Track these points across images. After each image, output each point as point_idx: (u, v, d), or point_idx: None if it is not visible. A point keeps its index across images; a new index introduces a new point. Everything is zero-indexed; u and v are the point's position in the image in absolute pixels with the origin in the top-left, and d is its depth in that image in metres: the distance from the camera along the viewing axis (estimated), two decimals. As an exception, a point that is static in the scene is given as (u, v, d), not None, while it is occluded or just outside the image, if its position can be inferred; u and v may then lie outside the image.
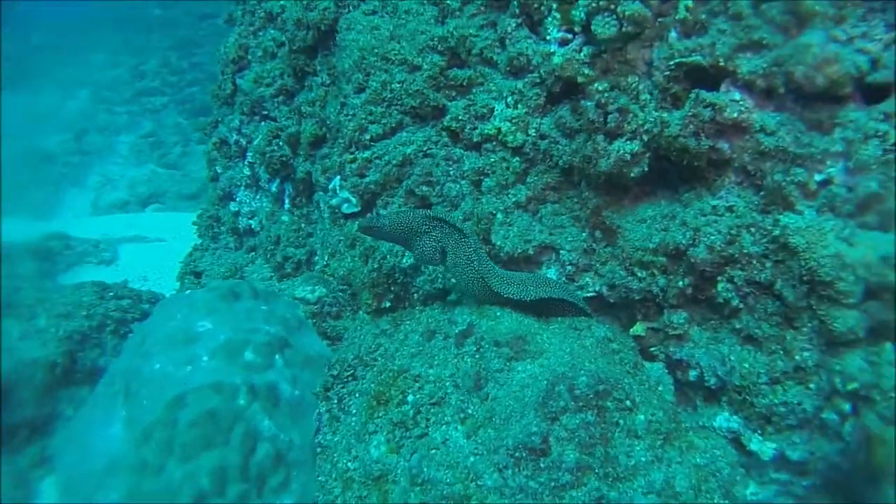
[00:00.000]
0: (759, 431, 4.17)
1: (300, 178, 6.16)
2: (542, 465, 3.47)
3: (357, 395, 4.31)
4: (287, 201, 6.43)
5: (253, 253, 6.80)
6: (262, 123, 6.66)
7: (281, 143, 6.29)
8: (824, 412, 3.96)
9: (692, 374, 4.39)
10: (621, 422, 3.68)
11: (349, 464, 4.03)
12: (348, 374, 4.37)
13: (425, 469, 3.65)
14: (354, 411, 4.22)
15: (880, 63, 3.60)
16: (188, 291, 5.52)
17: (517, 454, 3.50)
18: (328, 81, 5.86)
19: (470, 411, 3.79)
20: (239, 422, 4.19)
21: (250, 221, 7.09)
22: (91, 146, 13.54)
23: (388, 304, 4.92)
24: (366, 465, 3.91)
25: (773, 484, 4.32)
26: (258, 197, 7.00)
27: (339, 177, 5.31)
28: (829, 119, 3.77)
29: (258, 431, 4.23)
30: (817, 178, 3.83)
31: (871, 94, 3.75)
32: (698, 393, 4.51)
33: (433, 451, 3.73)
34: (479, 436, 3.69)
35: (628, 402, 3.75)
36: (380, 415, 3.98)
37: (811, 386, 3.97)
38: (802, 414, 4.00)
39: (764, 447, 4.17)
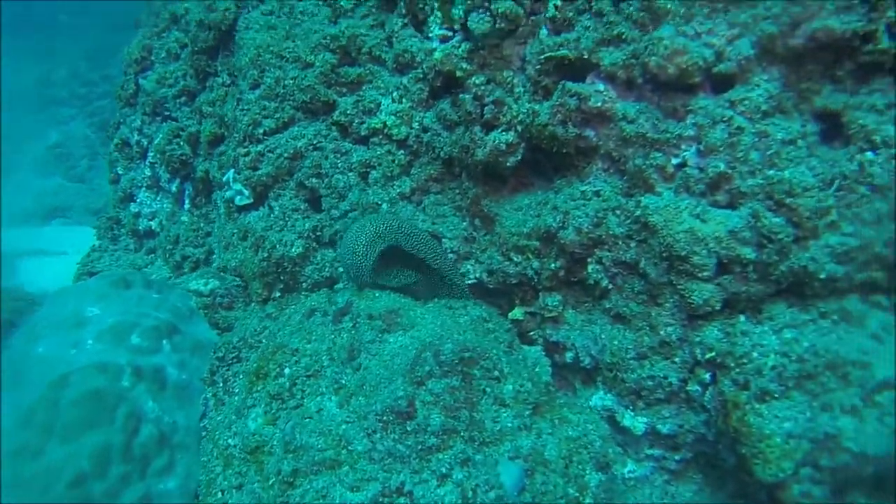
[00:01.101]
0: (631, 407, 4.28)
1: (199, 177, 6.06)
2: (408, 429, 3.46)
3: (241, 376, 4.26)
4: (187, 201, 6.29)
5: (153, 254, 6.68)
6: (164, 124, 6.56)
7: (181, 143, 6.19)
8: (689, 385, 4.11)
9: (568, 355, 4.48)
10: (488, 389, 3.72)
11: (230, 440, 3.95)
12: (233, 356, 4.32)
13: (298, 436, 3.61)
14: (237, 391, 4.17)
15: (724, 55, 3.84)
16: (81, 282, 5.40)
17: (385, 418, 3.50)
18: (228, 81, 5.80)
19: (343, 381, 3.78)
20: (123, 402, 4.01)
21: (150, 223, 6.89)
22: None
23: (277, 294, 4.92)
24: (244, 438, 3.83)
25: (649, 461, 4.43)
26: (159, 198, 6.82)
27: (233, 170, 5.31)
28: (682, 107, 3.93)
29: (142, 412, 4.06)
30: (674, 161, 3.99)
31: (720, 83, 4.00)
32: (577, 376, 4.60)
33: (307, 420, 3.68)
34: (352, 404, 3.67)
35: (496, 373, 3.80)
36: (258, 389, 3.92)
37: (676, 360, 4.09)
38: (669, 387, 4.11)
39: (636, 422, 4.26)
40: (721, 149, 3.81)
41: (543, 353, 4.49)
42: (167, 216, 6.54)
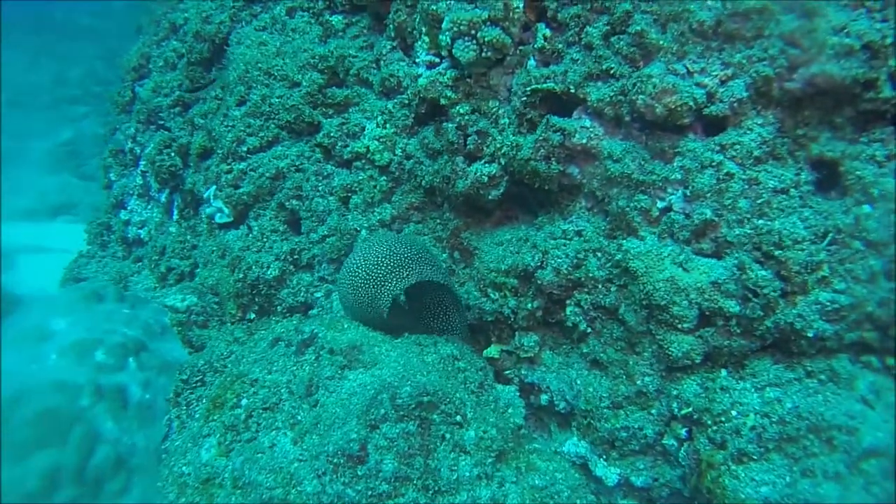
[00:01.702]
0: (604, 456, 4.05)
1: (188, 189, 5.89)
2: (359, 473, 3.25)
3: (204, 401, 4.12)
4: (176, 212, 6.13)
5: (140, 263, 6.59)
6: (157, 133, 6.45)
7: (172, 154, 6.04)
8: (665, 438, 3.88)
9: (543, 398, 4.26)
10: (448, 435, 3.50)
11: (184, 468, 3.77)
12: (197, 379, 4.15)
13: (247, 472, 3.41)
14: (198, 416, 4.04)
15: (716, 97, 3.61)
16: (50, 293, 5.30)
17: (335, 460, 3.28)
18: (221, 94, 5.70)
19: (299, 417, 3.61)
20: (79, 422, 3.88)
21: (140, 231, 6.74)
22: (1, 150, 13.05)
23: (252, 316, 4.78)
24: (197, 468, 3.65)
25: (622, 512, 4.21)
26: (149, 207, 6.67)
27: (214, 186, 5.18)
28: (670, 148, 3.70)
29: (99, 433, 3.92)
30: (659, 204, 3.75)
31: (711, 126, 3.77)
32: (553, 418, 4.38)
33: (258, 455, 3.49)
34: (306, 441, 3.47)
35: (458, 417, 3.58)
36: (214, 418, 3.76)
37: (652, 412, 3.85)
38: (644, 439, 3.87)
39: (608, 472, 4.02)
40: (708, 195, 3.58)
41: (518, 395, 4.27)
42: (156, 226, 6.42)
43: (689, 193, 3.65)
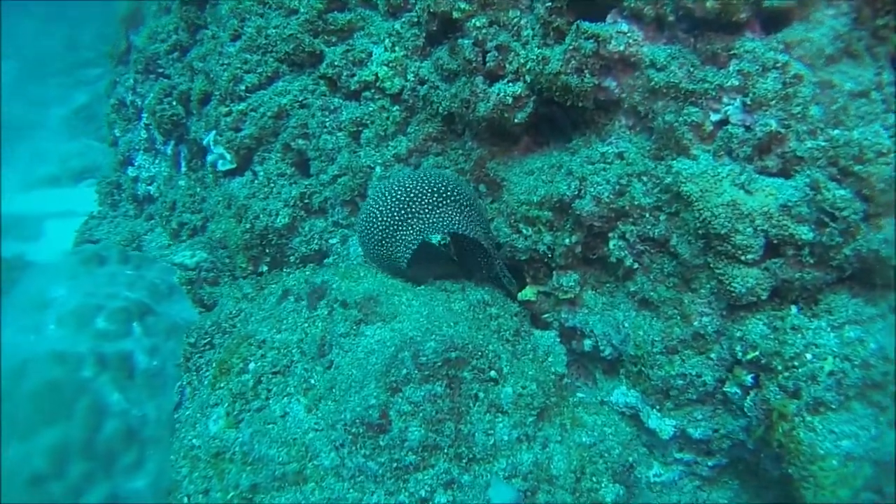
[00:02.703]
0: (658, 407, 3.57)
1: (193, 138, 5.44)
2: (381, 444, 2.85)
3: (213, 365, 3.73)
4: (183, 164, 5.69)
5: (153, 220, 6.20)
6: (157, 81, 5.95)
7: (173, 102, 5.58)
8: (727, 385, 3.38)
9: (587, 343, 3.78)
10: (481, 394, 3.06)
11: (194, 440, 3.41)
12: (205, 342, 3.77)
13: (256, 446, 3.04)
14: (206, 383, 3.66)
15: (780, -19, 2.99)
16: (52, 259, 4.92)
17: (354, 430, 2.87)
18: (216, 32, 5.18)
19: (312, 381, 3.19)
20: (83, 394, 3.56)
21: (149, 188, 6.36)
22: (19, 120, 12.74)
23: (264, 269, 4.35)
24: (206, 441, 3.30)
25: (678, 465, 3.74)
26: (157, 161, 6.27)
27: (214, 131, 4.70)
28: (724, 51, 3.10)
29: (105, 405, 3.59)
30: (713, 117, 3.17)
31: (772, 21, 3.13)
32: (597, 365, 3.91)
33: (269, 426, 3.09)
34: (320, 409, 3.05)
35: (492, 373, 3.14)
36: (221, 385, 3.37)
37: (712, 356, 3.36)
38: (703, 387, 3.39)
39: (663, 424, 3.56)
40: (772, 102, 3.02)
41: (558, 340, 3.79)
42: (165, 180, 6.00)
43: (748, 102, 3.09)
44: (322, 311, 3.38)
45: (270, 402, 3.19)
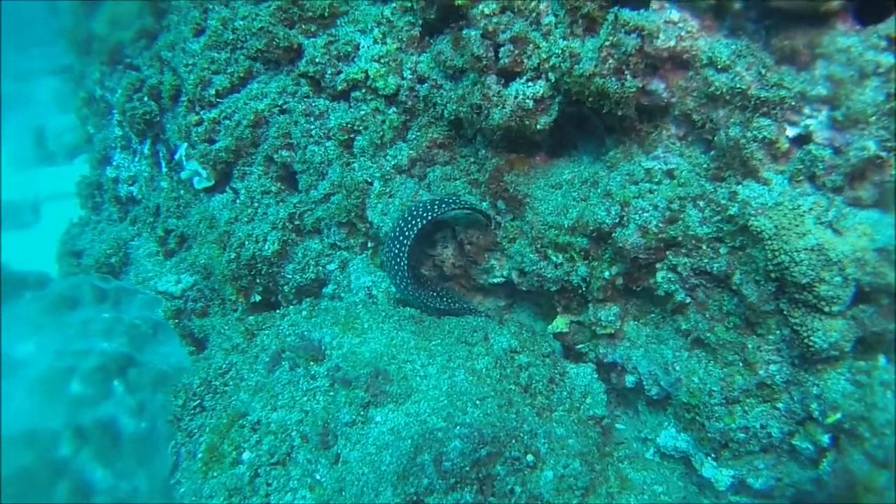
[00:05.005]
0: (713, 456, 3.05)
1: (168, 137, 4.72)
2: (406, 567, 2.39)
3: (207, 432, 3.21)
4: (163, 164, 4.96)
5: (137, 224, 5.48)
6: (125, 74, 5.08)
7: (144, 98, 4.77)
8: (796, 438, 2.82)
9: (629, 379, 3.24)
10: (518, 488, 2.54)
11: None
12: (195, 403, 3.25)
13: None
14: (199, 458, 3.15)
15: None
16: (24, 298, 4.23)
17: (374, 552, 2.41)
18: (178, 20, 4.32)
19: (318, 476, 2.65)
20: (63, 477, 3.11)
21: (131, 188, 5.60)
22: (7, 96, 11.82)
23: (257, 299, 3.74)
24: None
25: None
26: (136, 160, 5.50)
27: (185, 143, 3.98)
28: (807, 47, 2.40)
29: (89, 484, 3.14)
30: (791, 132, 2.50)
31: (869, 10, 2.36)
32: (640, 397, 3.38)
33: (275, 534, 2.65)
34: (331, 515, 2.59)
35: (529, 458, 2.60)
36: (214, 475, 2.87)
37: (779, 405, 2.81)
38: (767, 439, 2.87)
39: (719, 475, 3.04)
40: (872, 119, 2.29)
41: (596, 377, 3.22)
42: (146, 181, 5.26)
43: (839, 117, 2.35)
44: (322, 382, 2.81)
45: (272, 498, 2.67)
